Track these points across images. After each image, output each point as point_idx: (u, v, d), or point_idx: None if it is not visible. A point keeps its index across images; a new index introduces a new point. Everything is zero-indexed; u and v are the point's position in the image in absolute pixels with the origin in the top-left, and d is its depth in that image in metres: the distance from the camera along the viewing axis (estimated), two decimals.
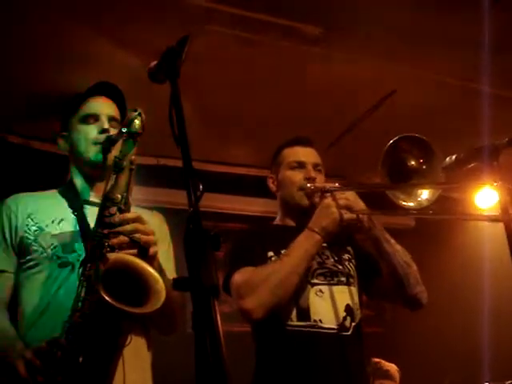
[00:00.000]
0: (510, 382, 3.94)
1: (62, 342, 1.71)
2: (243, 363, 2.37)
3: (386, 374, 4.38)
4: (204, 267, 1.12)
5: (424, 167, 2.21)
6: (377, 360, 4.35)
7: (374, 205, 2.31)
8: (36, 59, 3.61)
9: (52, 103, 3.66)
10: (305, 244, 2.21)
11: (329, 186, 2.35)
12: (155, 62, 1.44)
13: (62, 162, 2.26)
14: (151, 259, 1.85)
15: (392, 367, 4.44)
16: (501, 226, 1.78)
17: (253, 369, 2.32)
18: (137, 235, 1.82)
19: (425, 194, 2.20)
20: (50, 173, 2.75)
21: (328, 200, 2.25)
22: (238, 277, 2.22)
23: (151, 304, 1.69)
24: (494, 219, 1.84)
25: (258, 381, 2.27)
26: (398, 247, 2.30)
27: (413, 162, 2.22)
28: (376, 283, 2.36)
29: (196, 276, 1.11)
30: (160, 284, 1.74)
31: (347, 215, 2.22)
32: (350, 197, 2.26)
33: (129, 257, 1.79)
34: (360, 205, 2.26)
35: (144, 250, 1.82)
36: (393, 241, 2.30)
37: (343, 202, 2.23)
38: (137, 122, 1.92)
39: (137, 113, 1.93)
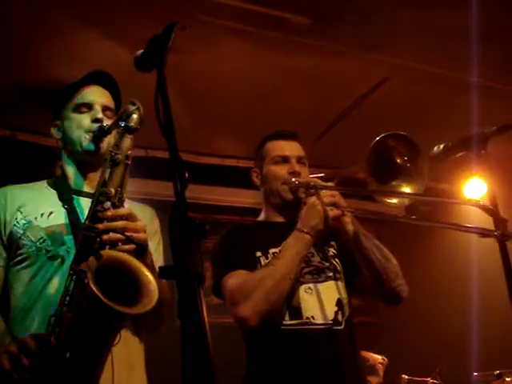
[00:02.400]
0: (498, 371, 3.98)
1: (46, 336, 1.68)
2: (232, 354, 2.38)
3: (370, 370, 4.40)
4: (189, 255, 1.12)
5: (409, 165, 2.20)
6: (361, 353, 4.36)
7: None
8: (22, 50, 3.58)
9: (38, 95, 3.64)
10: (295, 246, 2.19)
11: (313, 180, 2.34)
12: (141, 51, 1.43)
13: (49, 153, 2.24)
14: (143, 257, 1.83)
15: (375, 361, 4.46)
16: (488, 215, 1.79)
17: (243, 362, 2.31)
18: (128, 233, 1.79)
19: (407, 190, 2.19)
20: (37, 164, 2.74)
21: (313, 199, 2.22)
22: (230, 282, 2.21)
23: (143, 304, 1.66)
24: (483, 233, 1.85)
25: (251, 380, 2.26)
26: (376, 242, 2.30)
27: (398, 160, 2.22)
28: (357, 278, 2.36)
29: (181, 264, 1.10)
30: (153, 284, 1.71)
31: (333, 212, 2.20)
32: (335, 192, 2.25)
33: (122, 254, 1.76)
34: (343, 201, 2.26)
35: (141, 248, 1.80)
36: (370, 235, 2.30)
37: (328, 200, 2.21)
38: (135, 116, 1.88)
39: (135, 107, 1.88)
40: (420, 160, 2.17)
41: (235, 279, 2.21)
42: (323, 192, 2.22)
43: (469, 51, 3.62)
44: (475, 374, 4.35)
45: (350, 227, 2.24)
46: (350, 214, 2.25)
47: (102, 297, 1.58)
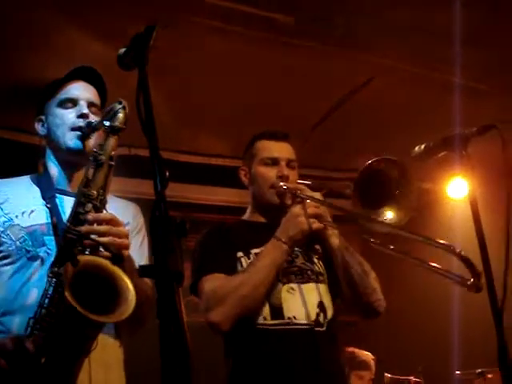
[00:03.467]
0: (479, 370, 4.01)
1: (25, 339, 1.65)
2: (214, 354, 2.37)
3: (362, 365, 4.43)
4: (169, 254, 1.11)
5: (397, 192, 2.20)
6: (351, 350, 4.39)
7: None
8: (6, 49, 3.55)
9: (23, 93, 3.61)
10: (272, 254, 2.21)
11: (300, 187, 2.33)
12: (124, 49, 1.42)
13: (32, 151, 2.22)
14: (124, 263, 1.78)
15: (367, 356, 4.49)
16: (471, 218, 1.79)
17: (221, 359, 2.31)
18: (109, 238, 1.75)
19: (391, 218, 2.19)
20: (19, 163, 2.71)
21: (297, 209, 2.24)
22: (207, 286, 2.21)
23: (119, 313, 1.64)
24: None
25: (233, 380, 2.25)
26: (357, 256, 2.30)
27: (387, 186, 2.19)
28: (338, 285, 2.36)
29: (160, 263, 1.10)
30: (131, 293, 1.67)
31: (315, 225, 2.23)
32: (320, 205, 2.25)
33: (101, 260, 1.72)
34: (327, 215, 2.26)
35: (118, 258, 1.74)
36: (352, 249, 2.30)
37: (312, 211, 2.23)
38: (120, 115, 1.84)
39: (121, 106, 1.84)
40: (409, 187, 2.17)
41: (211, 283, 2.21)
42: (308, 202, 2.23)
43: (452, 52, 3.64)
44: (457, 372, 4.38)
45: (334, 240, 2.27)
46: (336, 227, 2.26)
47: (77, 305, 1.55)
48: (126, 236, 1.83)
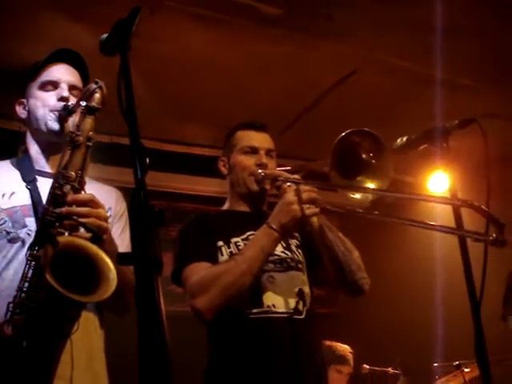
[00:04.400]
0: (457, 362, 4.05)
1: (1, 322, 1.64)
2: (196, 344, 2.37)
3: (341, 359, 4.43)
4: (147, 242, 1.11)
5: (373, 162, 2.21)
6: (329, 343, 4.40)
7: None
8: None
9: (3, 77, 3.56)
10: (261, 241, 2.18)
11: (279, 173, 2.34)
12: (106, 35, 1.41)
13: (12, 137, 2.19)
14: (103, 244, 1.77)
15: (345, 350, 4.50)
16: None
17: (200, 350, 2.31)
18: (90, 219, 1.74)
19: (371, 186, 2.20)
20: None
21: (290, 195, 2.17)
22: (190, 274, 2.20)
23: (101, 292, 1.63)
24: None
25: (213, 368, 2.26)
26: (340, 234, 2.31)
27: (363, 156, 2.21)
28: (318, 271, 2.38)
29: (139, 251, 1.09)
30: (112, 272, 1.67)
31: (309, 210, 2.16)
32: (314, 188, 2.21)
33: (81, 241, 1.71)
34: (320, 198, 2.22)
35: (97, 237, 1.73)
36: (334, 228, 2.31)
37: (307, 196, 2.16)
38: (97, 95, 1.83)
39: (97, 85, 1.83)
40: (384, 157, 2.17)
41: (195, 271, 2.20)
42: (302, 187, 2.18)
43: (434, 45, 3.65)
44: (435, 364, 4.42)
45: (314, 219, 2.25)
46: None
47: (56, 285, 1.55)
48: (105, 219, 1.81)
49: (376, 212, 2.08)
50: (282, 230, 2.17)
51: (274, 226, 2.16)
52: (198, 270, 2.20)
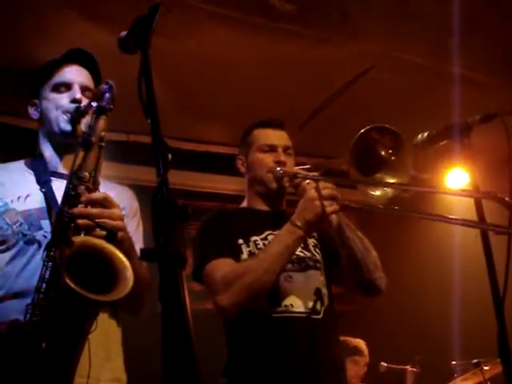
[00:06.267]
0: (476, 360, 4.02)
1: (23, 324, 1.65)
2: (214, 341, 2.37)
3: (356, 350, 4.47)
4: (171, 238, 1.10)
5: (393, 158, 2.18)
6: (342, 338, 4.41)
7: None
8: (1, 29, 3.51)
9: (16, 76, 3.58)
10: (286, 239, 2.14)
11: (298, 170, 2.33)
12: (126, 32, 1.41)
13: (29, 135, 2.20)
14: (119, 243, 1.77)
15: (359, 342, 4.54)
16: (472, 206, 1.77)
17: (224, 349, 2.31)
18: (103, 220, 1.74)
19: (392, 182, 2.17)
20: (15, 147, 2.69)
21: (311, 192, 2.13)
22: (214, 270, 2.19)
23: (118, 291, 1.63)
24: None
25: (232, 367, 2.26)
26: (358, 233, 2.29)
27: (382, 153, 2.18)
28: (337, 269, 2.36)
29: (163, 246, 1.09)
30: (128, 270, 1.67)
31: (330, 207, 2.11)
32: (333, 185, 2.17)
33: (96, 240, 1.71)
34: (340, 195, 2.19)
35: (111, 235, 1.72)
36: (353, 226, 2.29)
37: (327, 192, 2.12)
38: (107, 95, 1.83)
39: (108, 86, 1.83)
40: (404, 153, 2.14)
41: (219, 268, 2.19)
42: (322, 184, 2.14)
43: (451, 41, 3.63)
44: (453, 362, 4.39)
45: (333, 217, 2.22)
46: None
47: (73, 285, 1.55)
48: (120, 218, 1.81)
49: (396, 207, 2.05)
50: (306, 227, 2.13)
51: (298, 224, 2.13)
52: (222, 266, 2.19)
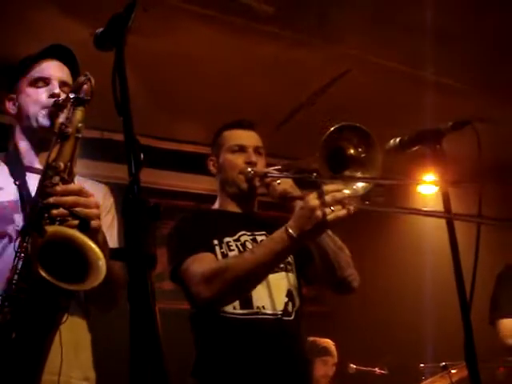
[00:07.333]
0: (444, 363, 4.06)
1: None
2: (183, 341, 2.37)
3: (325, 350, 4.52)
4: (141, 238, 1.10)
5: (363, 156, 2.19)
6: (311, 339, 4.44)
7: None
8: None
9: None
10: (277, 247, 1.99)
11: (268, 170, 2.33)
12: (101, 29, 1.40)
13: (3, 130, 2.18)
14: (94, 233, 1.76)
15: (328, 342, 4.59)
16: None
17: (193, 347, 2.30)
18: (78, 208, 1.72)
19: (361, 183, 2.17)
20: None
21: (313, 200, 1.90)
22: (193, 263, 2.15)
23: (90, 281, 1.62)
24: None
25: (200, 367, 2.25)
26: (329, 232, 2.30)
27: (352, 151, 2.20)
28: (309, 268, 2.37)
29: (133, 246, 1.08)
30: (101, 260, 1.66)
31: (331, 215, 1.88)
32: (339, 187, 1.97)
33: (69, 230, 1.70)
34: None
35: (85, 224, 1.70)
36: None
37: (331, 198, 1.89)
38: (85, 87, 1.82)
39: (86, 77, 1.82)
40: (374, 150, 2.15)
41: (199, 261, 2.16)
42: (326, 188, 1.92)
43: (426, 48, 3.67)
44: (421, 365, 4.43)
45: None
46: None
47: (45, 275, 1.54)
48: (96, 206, 1.79)
49: (367, 202, 2.04)
50: (302, 237, 1.95)
51: (294, 234, 1.94)
52: (204, 259, 2.16)
